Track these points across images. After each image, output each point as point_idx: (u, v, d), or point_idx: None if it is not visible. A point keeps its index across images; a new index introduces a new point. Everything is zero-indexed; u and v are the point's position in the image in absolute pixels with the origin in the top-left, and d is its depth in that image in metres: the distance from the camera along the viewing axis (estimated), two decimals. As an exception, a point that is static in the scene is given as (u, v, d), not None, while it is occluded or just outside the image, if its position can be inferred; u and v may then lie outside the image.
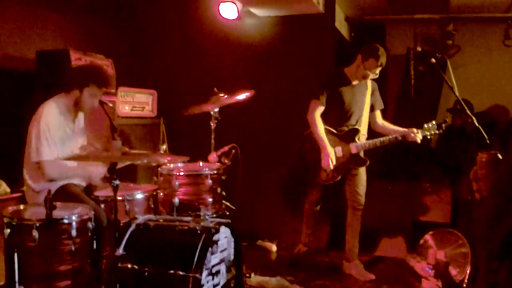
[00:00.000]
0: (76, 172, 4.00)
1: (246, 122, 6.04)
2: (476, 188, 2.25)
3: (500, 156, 2.24)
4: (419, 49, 6.65)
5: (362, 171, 5.13)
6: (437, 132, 4.99)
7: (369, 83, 5.11)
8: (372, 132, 5.17)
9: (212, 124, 4.57)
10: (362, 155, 5.06)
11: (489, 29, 6.99)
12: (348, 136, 5.01)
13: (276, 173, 6.15)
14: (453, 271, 4.78)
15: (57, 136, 3.87)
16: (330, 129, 5.03)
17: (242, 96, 4.58)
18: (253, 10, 6.07)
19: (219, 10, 5.79)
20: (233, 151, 4.40)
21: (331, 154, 4.91)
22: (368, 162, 5.04)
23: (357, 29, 7.19)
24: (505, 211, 1.64)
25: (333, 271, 5.25)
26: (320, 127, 4.96)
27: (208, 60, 6.47)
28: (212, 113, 4.55)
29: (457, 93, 4.70)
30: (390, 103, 5.28)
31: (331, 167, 4.92)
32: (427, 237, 5.11)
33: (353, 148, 4.96)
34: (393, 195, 5.81)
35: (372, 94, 5.13)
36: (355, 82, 5.03)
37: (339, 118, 5.03)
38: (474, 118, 4.19)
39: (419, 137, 4.91)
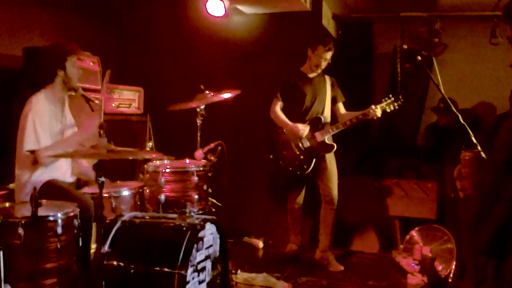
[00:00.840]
0: (68, 143, 3.98)
1: (233, 119, 6.05)
2: (460, 186, 2.26)
3: (483, 155, 2.25)
4: (405, 47, 6.67)
5: (333, 166, 5.33)
6: (396, 104, 5.15)
7: (326, 77, 5.40)
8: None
9: (198, 121, 4.56)
10: (328, 142, 5.23)
11: (475, 28, 7.01)
12: (312, 126, 5.25)
13: (262, 170, 6.16)
14: (438, 266, 4.82)
15: (49, 125, 3.88)
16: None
17: (227, 95, 4.59)
18: (240, 7, 6.06)
19: (206, 7, 5.77)
20: (219, 148, 4.40)
21: (298, 125, 5.19)
22: (335, 147, 5.23)
23: (344, 27, 7.19)
24: (490, 210, 1.65)
25: (319, 267, 5.28)
26: (281, 115, 5.31)
27: (195, 57, 6.46)
28: (198, 110, 4.55)
29: (443, 91, 4.71)
30: (377, 101, 5.30)
31: (305, 134, 5.17)
32: (413, 233, 5.15)
33: (318, 136, 5.19)
34: (380, 192, 5.84)
35: (332, 87, 5.39)
36: (311, 75, 5.33)
37: (303, 111, 5.29)
38: (460, 116, 4.21)
39: (378, 112, 5.08)
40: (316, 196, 5.45)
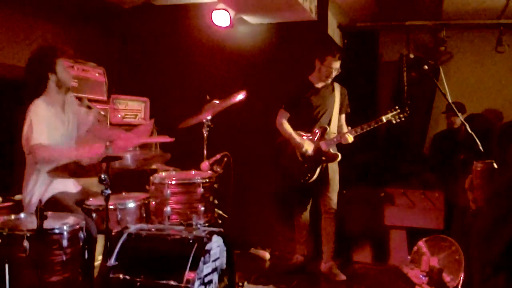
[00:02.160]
0: (69, 155, 3.96)
1: (239, 130, 6.04)
2: (472, 197, 2.24)
3: (495, 166, 2.23)
4: (411, 56, 6.66)
5: (335, 176, 5.35)
6: (402, 116, 5.16)
7: (336, 86, 5.38)
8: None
9: (204, 132, 4.54)
10: (332, 151, 5.23)
11: (481, 36, 7.01)
12: (317, 136, 5.25)
13: (269, 181, 6.13)
14: (446, 277, 4.77)
15: (48, 126, 3.85)
16: (302, 133, 5.28)
17: (236, 98, 4.56)
18: (246, 17, 6.07)
19: (211, 18, 5.78)
20: (225, 159, 4.37)
21: (303, 142, 5.17)
22: (339, 157, 5.23)
23: (350, 36, 7.20)
24: (503, 224, 1.63)
25: (325, 279, 5.25)
26: (287, 127, 5.28)
27: (200, 67, 6.45)
28: (204, 121, 4.53)
29: (449, 100, 4.71)
30: (382, 110, 5.29)
31: (310, 152, 5.15)
32: (421, 243, 5.10)
33: (323, 145, 5.19)
34: (386, 201, 5.81)
35: (341, 96, 5.38)
36: (319, 85, 5.30)
37: (310, 121, 5.28)
38: (467, 125, 4.19)
39: (350, 138, 5.12)
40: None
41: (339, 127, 5.36)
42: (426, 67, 4.68)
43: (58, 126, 4.00)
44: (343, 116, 5.43)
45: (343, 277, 5.22)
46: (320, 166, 5.21)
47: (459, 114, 4.91)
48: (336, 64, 5.14)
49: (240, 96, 4.57)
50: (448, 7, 6.36)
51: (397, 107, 5.17)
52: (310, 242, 5.71)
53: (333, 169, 5.32)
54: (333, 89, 5.37)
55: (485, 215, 1.74)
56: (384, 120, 5.11)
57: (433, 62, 6.05)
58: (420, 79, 6.60)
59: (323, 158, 5.20)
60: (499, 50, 6.62)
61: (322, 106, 5.28)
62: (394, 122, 5.16)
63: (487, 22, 6.72)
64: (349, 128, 5.19)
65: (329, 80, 5.26)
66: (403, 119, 5.15)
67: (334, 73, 5.19)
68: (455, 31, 6.99)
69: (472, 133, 4.12)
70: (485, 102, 6.91)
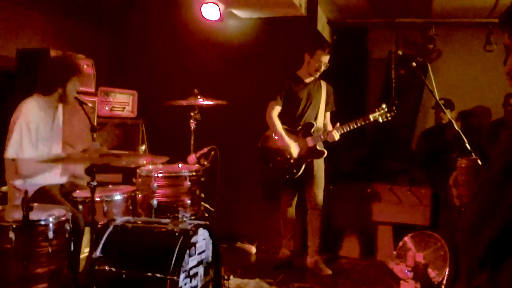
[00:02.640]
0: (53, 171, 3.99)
1: (226, 124, 6.03)
2: (456, 194, 2.25)
3: (480, 162, 2.24)
4: (400, 52, 6.67)
5: (320, 172, 5.36)
6: (388, 115, 5.18)
7: (323, 84, 5.40)
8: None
9: (192, 126, 4.54)
10: (319, 147, 5.24)
11: (470, 34, 7.04)
12: (304, 131, 5.27)
13: (255, 175, 6.13)
14: (432, 273, 4.81)
15: (37, 134, 3.84)
16: (288, 128, 5.29)
17: (216, 102, 4.59)
18: (235, 11, 6.06)
19: (201, 11, 5.76)
20: (212, 152, 4.38)
21: (291, 144, 5.18)
22: (325, 153, 5.25)
23: (339, 33, 7.21)
24: (487, 219, 1.64)
25: (312, 273, 5.27)
26: (278, 124, 5.25)
27: (189, 61, 6.44)
28: (192, 114, 4.53)
29: (437, 97, 4.72)
30: (371, 106, 5.32)
31: (294, 155, 5.17)
32: (406, 239, 5.13)
33: (309, 141, 5.21)
34: (373, 198, 5.83)
35: (327, 94, 5.40)
36: (308, 80, 5.32)
37: (297, 116, 5.30)
38: (454, 123, 4.21)
39: (336, 135, 5.11)
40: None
41: (324, 125, 5.39)
42: (414, 64, 4.68)
43: (45, 128, 3.99)
44: (328, 114, 5.44)
45: (329, 272, 5.25)
46: (305, 162, 5.22)
47: (447, 111, 4.93)
48: (325, 58, 5.15)
49: (221, 103, 4.60)
50: (438, 5, 6.38)
51: (384, 106, 5.18)
52: (297, 237, 5.73)
53: (319, 165, 5.33)
54: (320, 86, 5.39)
55: (470, 211, 1.75)
56: (371, 119, 5.13)
57: (422, 60, 6.07)
58: (408, 76, 6.62)
59: (309, 154, 5.22)
60: (487, 49, 6.65)
61: (309, 101, 5.31)
62: (380, 121, 5.17)
63: (476, 20, 6.75)
64: (338, 125, 5.18)
65: (318, 74, 5.26)
66: (389, 118, 5.17)
67: (323, 68, 5.19)
68: (444, 29, 7.02)
69: (460, 131, 4.15)
70: (473, 99, 6.94)
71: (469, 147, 3.06)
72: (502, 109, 6.25)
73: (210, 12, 5.74)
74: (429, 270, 4.84)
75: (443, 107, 4.63)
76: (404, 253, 5.09)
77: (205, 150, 4.41)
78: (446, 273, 4.65)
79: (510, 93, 6.01)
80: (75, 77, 4.04)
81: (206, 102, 4.55)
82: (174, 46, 6.52)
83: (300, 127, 5.28)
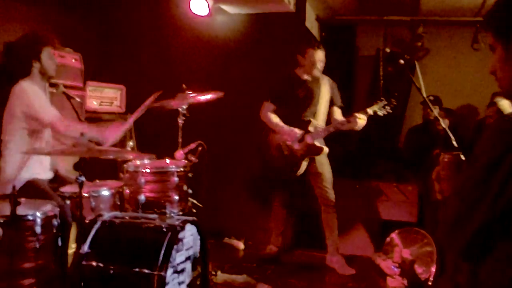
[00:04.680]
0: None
1: (214, 119, 6.02)
2: (438, 188, 2.28)
3: (463, 157, 2.27)
4: (388, 50, 6.71)
5: (325, 168, 5.28)
6: (388, 108, 5.09)
7: (324, 79, 5.31)
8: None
9: (180, 121, 4.54)
10: (318, 144, 5.17)
11: (457, 33, 7.09)
12: (301, 128, 5.16)
13: (244, 170, 6.16)
14: (418, 269, 4.84)
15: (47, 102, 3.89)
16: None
17: (208, 96, 4.57)
18: (224, 7, 6.06)
19: (190, 6, 5.75)
20: (200, 148, 4.38)
21: (294, 130, 5.12)
22: (324, 149, 5.18)
23: (328, 29, 7.22)
24: (468, 215, 1.66)
25: (299, 269, 5.28)
26: (273, 118, 5.24)
27: (178, 56, 6.43)
28: (180, 110, 4.52)
29: (424, 95, 4.76)
30: (358, 103, 5.34)
31: (299, 136, 5.10)
32: (393, 235, 5.15)
33: (308, 138, 5.12)
34: (360, 194, 5.86)
35: (331, 89, 5.32)
36: (306, 77, 5.25)
37: (295, 114, 5.23)
38: (441, 120, 4.24)
39: (362, 121, 5.00)
40: (300, 200, 5.45)
41: (335, 120, 5.29)
42: (402, 61, 4.73)
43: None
44: (336, 108, 5.35)
45: (352, 271, 5.19)
46: (305, 160, 5.17)
47: (434, 108, 4.96)
48: (318, 55, 5.10)
49: (212, 96, 4.58)
50: (426, 3, 6.43)
51: (382, 99, 5.10)
52: (287, 232, 5.74)
53: (321, 162, 5.25)
54: (320, 82, 5.30)
55: (452, 207, 1.78)
56: (370, 112, 5.02)
57: (409, 57, 6.11)
58: (396, 74, 6.65)
59: (309, 151, 5.15)
60: (475, 47, 6.69)
61: (308, 99, 5.24)
62: (380, 114, 5.08)
63: (464, 19, 6.79)
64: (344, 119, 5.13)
65: (317, 73, 5.18)
66: (390, 111, 5.10)
67: (320, 64, 5.14)
68: (432, 27, 7.06)
69: (446, 128, 4.18)
70: (460, 98, 7.00)
71: (455, 144, 3.09)
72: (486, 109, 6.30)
73: (199, 7, 5.73)
74: (416, 266, 4.86)
75: (430, 104, 4.66)
76: (391, 249, 5.12)
77: (192, 145, 4.41)
78: (433, 269, 4.68)
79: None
80: (47, 47, 4.06)
81: (199, 97, 4.54)
82: (163, 41, 6.50)
83: (300, 125, 5.20)
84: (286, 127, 5.15)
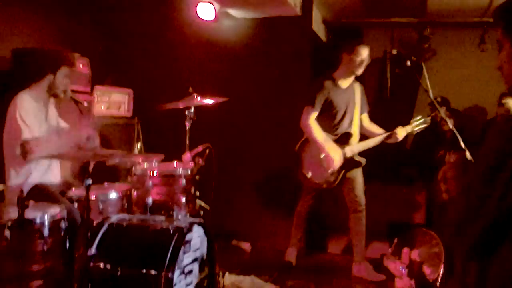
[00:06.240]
0: (62, 141, 4.01)
1: (221, 122, 6.04)
2: (445, 188, 2.27)
3: (468, 157, 2.27)
4: (394, 52, 6.70)
5: (358, 175, 5.15)
6: (424, 126, 5.08)
7: (356, 85, 5.18)
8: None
9: (187, 124, 4.55)
10: (356, 157, 5.07)
11: (464, 34, 7.07)
12: (341, 140, 5.03)
13: (251, 173, 6.17)
14: (427, 270, 4.82)
15: (34, 123, 3.87)
16: (325, 137, 5.00)
17: (213, 101, 4.58)
18: (231, 11, 6.08)
19: (196, 11, 5.77)
20: (207, 151, 4.39)
21: (336, 157, 4.91)
22: (363, 163, 5.08)
23: (335, 32, 7.23)
24: (475, 215, 1.66)
25: (308, 271, 5.27)
26: (318, 132, 4.95)
27: (184, 60, 6.45)
28: (187, 113, 4.53)
29: (431, 96, 4.75)
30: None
31: (336, 167, 4.92)
32: (401, 237, 5.14)
33: (347, 151, 4.99)
34: (368, 196, 5.84)
35: (361, 95, 5.20)
36: (344, 85, 5.07)
37: (332, 123, 5.05)
38: (448, 121, 4.24)
39: (401, 135, 4.98)
40: (315, 203, 5.41)
41: (365, 127, 5.24)
42: (409, 63, 4.72)
43: (41, 121, 4.02)
44: (365, 115, 5.29)
45: (382, 277, 5.10)
46: (343, 172, 5.02)
47: (442, 109, 4.96)
48: (366, 52, 4.94)
49: (218, 100, 4.59)
50: (432, 5, 6.42)
51: (420, 117, 5.10)
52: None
53: (356, 172, 5.15)
54: (353, 89, 5.17)
55: (458, 207, 1.78)
56: (410, 131, 5.06)
57: (416, 59, 6.10)
58: (403, 76, 6.65)
59: (347, 164, 5.00)
60: (482, 48, 6.68)
61: (345, 107, 5.08)
62: (416, 131, 5.11)
63: (471, 20, 6.78)
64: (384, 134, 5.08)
65: (360, 71, 4.99)
66: (423, 128, 5.13)
67: (365, 62, 4.96)
68: (439, 29, 7.05)
69: (454, 129, 4.17)
70: (468, 99, 6.98)
71: (463, 145, 3.09)
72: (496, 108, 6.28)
73: (205, 12, 5.74)
74: (424, 267, 4.85)
75: (438, 106, 4.65)
76: (399, 251, 5.11)
77: (200, 148, 4.42)
78: (441, 270, 4.67)
79: (504, 93, 6.03)
80: (66, 67, 4.09)
81: (204, 101, 4.56)
82: (169, 45, 6.53)
83: (337, 136, 5.05)
84: (327, 150, 4.91)
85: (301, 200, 5.39)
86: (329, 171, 4.94)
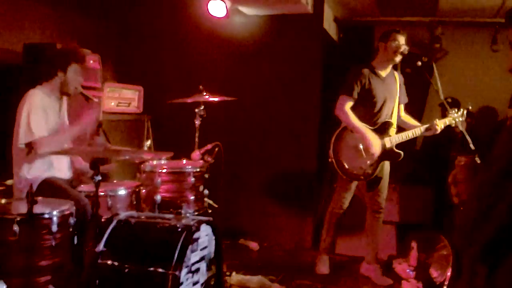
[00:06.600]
0: (66, 135, 4.03)
1: (231, 120, 6.05)
2: (455, 192, 2.27)
3: (478, 160, 2.26)
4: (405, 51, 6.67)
5: (387, 174, 5.05)
6: (461, 118, 4.89)
7: (396, 75, 5.07)
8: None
9: (196, 122, 4.55)
10: (396, 150, 4.90)
11: (476, 34, 7.03)
12: (381, 130, 4.88)
13: (260, 172, 6.16)
14: (434, 273, 4.81)
15: (44, 117, 3.89)
16: (363, 124, 4.84)
17: (222, 99, 4.57)
18: (242, 8, 6.07)
19: (207, 8, 5.77)
20: (216, 149, 4.40)
21: (376, 146, 4.77)
22: (402, 156, 4.90)
23: (346, 30, 7.21)
24: (485, 219, 1.65)
25: (314, 270, 5.25)
26: (354, 118, 4.78)
27: (195, 57, 6.46)
28: (196, 111, 4.54)
29: (442, 97, 4.74)
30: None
31: (376, 154, 4.78)
32: (409, 238, 5.13)
33: (387, 142, 4.84)
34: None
35: (400, 85, 5.08)
36: (384, 74, 4.94)
37: (371, 113, 4.88)
38: (459, 123, 4.23)
39: (439, 127, 4.86)
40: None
41: (402, 118, 5.10)
42: (419, 63, 4.70)
43: (53, 116, 4.03)
44: (402, 106, 5.15)
45: (389, 281, 4.98)
46: (381, 164, 4.90)
47: (450, 113, 4.92)
48: (403, 39, 4.82)
49: (226, 99, 4.57)
50: (444, 4, 6.38)
51: (456, 109, 4.91)
52: (305, 232, 5.70)
53: (387, 166, 5.05)
54: (395, 78, 5.04)
55: (468, 210, 1.77)
56: (448, 123, 4.89)
57: (427, 59, 6.07)
58: (414, 75, 6.61)
59: (387, 155, 4.87)
60: (494, 49, 6.64)
61: (385, 96, 4.90)
62: (453, 125, 4.92)
63: (483, 20, 6.74)
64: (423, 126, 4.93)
65: (398, 58, 4.84)
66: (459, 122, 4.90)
67: (402, 49, 4.80)
68: (450, 29, 7.01)
69: (464, 131, 4.16)
70: (479, 99, 6.93)
71: (472, 147, 3.08)
72: (508, 109, 6.24)
73: (217, 8, 5.75)
74: (432, 269, 4.83)
75: (448, 107, 4.63)
76: (406, 253, 5.09)
77: (209, 146, 4.43)
78: (449, 273, 4.65)
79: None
80: (76, 64, 4.09)
81: (211, 99, 4.57)
82: (180, 42, 6.54)
83: (377, 126, 4.88)
84: (367, 136, 4.75)
85: (333, 199, 5.19)
86: (368, 162, 4.81)
